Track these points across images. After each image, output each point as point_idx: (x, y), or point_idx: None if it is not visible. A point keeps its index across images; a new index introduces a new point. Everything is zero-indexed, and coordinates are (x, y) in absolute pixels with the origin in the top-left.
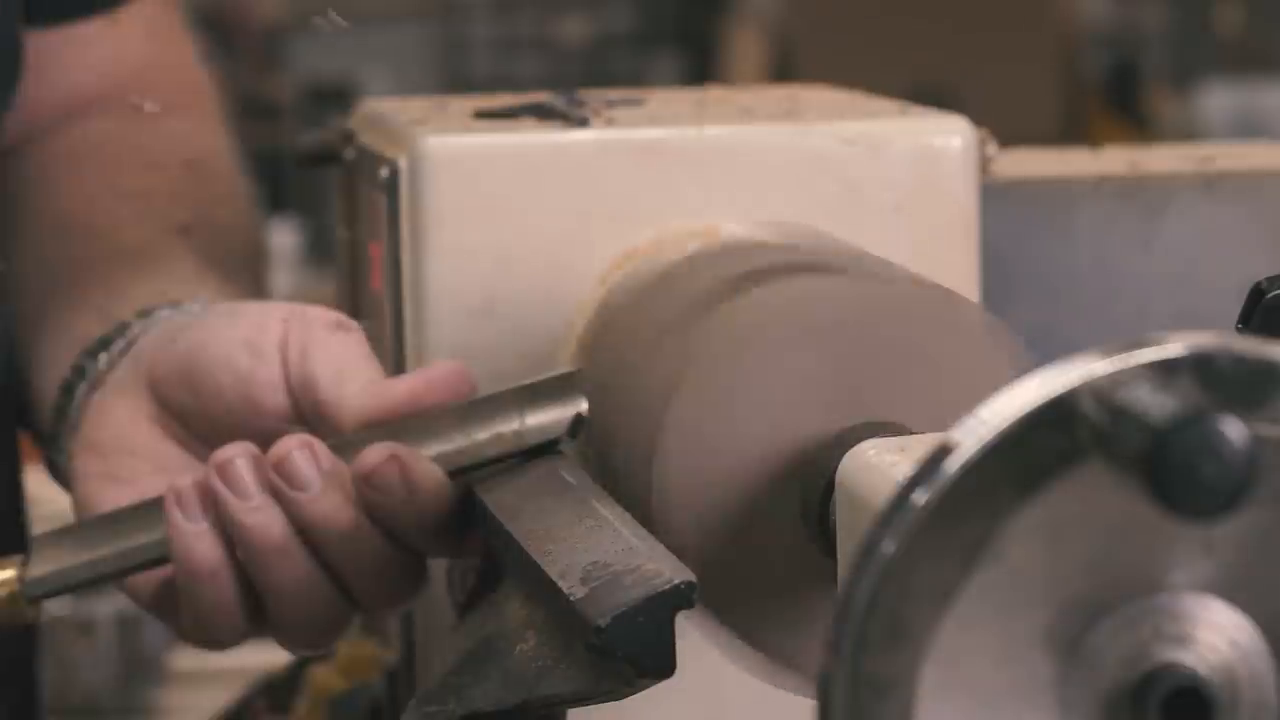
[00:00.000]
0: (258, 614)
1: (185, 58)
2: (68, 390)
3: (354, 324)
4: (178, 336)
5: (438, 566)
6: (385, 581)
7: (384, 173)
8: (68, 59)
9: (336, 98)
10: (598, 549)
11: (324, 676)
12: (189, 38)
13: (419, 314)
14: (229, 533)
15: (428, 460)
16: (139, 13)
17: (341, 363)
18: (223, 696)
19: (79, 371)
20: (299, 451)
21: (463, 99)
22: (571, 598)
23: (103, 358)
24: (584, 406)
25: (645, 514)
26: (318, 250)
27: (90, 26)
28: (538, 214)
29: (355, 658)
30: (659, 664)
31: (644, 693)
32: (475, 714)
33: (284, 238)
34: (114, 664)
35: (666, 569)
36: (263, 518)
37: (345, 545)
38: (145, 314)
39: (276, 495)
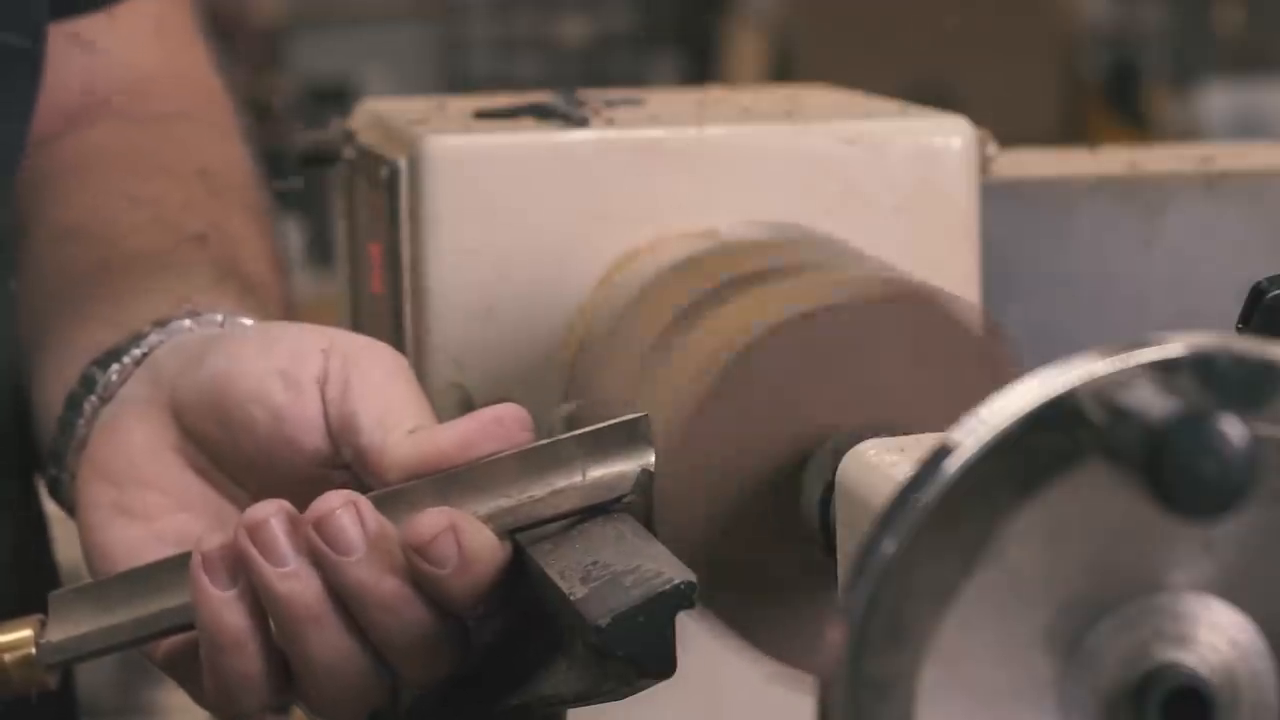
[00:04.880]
0: (286, 684)
1: (198, 64)
2: (73, 403)
3: (400, 356)
4: (204, 357)
5: None
6: (426, 652)
7: (384, 173)
8: (70, 62)
9: (336, 98)
10: (598, 549)
11: None
12: (203, 44)
13: (419, 314)
14: (260, 600)
15: (484, 529)
16: (142, 14)
17: (386, 404)
18: None
19: (87, 382)
20: (344, 511)
21: (463, 99)
22: (571, 598)
23: (114, 369)
24: (651, 459)
25: (646, 515)
26: (318, 250)
27: (89, 28)
28: (538, 214)
29: None
30: (659, 664)
31: (644, 693)
32: (476, 714)
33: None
34: (114, 664)
35: (667, 569)
36: (298, 585)
37: (386, 615)
38: (162, 324)
39: (315, 556)
